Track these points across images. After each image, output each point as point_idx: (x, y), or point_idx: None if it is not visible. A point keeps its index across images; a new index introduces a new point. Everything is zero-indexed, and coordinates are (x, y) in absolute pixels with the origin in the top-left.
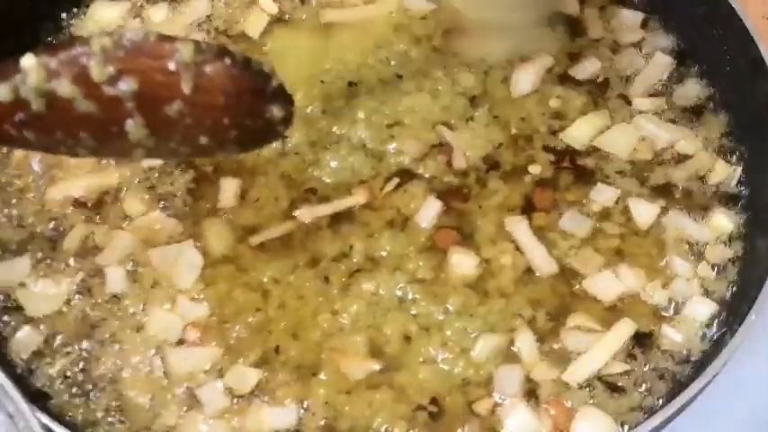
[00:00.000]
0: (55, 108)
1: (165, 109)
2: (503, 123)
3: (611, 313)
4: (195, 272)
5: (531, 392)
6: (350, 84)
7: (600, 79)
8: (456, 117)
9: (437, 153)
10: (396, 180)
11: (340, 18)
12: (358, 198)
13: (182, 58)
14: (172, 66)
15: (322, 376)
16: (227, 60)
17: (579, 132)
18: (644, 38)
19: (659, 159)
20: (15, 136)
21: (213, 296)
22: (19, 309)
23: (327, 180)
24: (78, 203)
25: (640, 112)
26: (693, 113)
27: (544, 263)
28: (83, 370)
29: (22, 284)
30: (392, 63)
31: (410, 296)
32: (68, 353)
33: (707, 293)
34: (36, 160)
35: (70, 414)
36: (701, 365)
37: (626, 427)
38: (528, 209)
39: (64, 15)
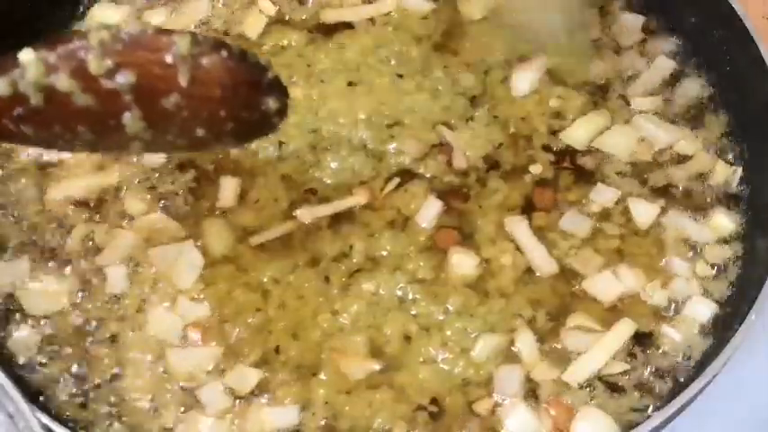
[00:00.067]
0: (53, 102)
1: (162, 101)
2: (503, 123)
3: (611, 313)
4: (195, 272)
5: (531, 392)
6: (350, 83)
7: (601, 81)
8: (456, 117)
9: (437, 153)
10: (396, 180)
11: (340, 18)
12: (358, 198)
13: (179, 51)
14: (169, 58)
15: (322, 376)
16: (224, 53)
17: (579, 132)
18: (645, 38)
19: (659, 160)
20: (13, 131)
21: (213, 296)
22: (19, 308)
23: (328, 180)
24: (79, 203)
25: (640, 113)
26: (693, 114)
27: (544, 263)
28: (83, 370)
29: (23, 284)
30: (392, 63)
31: (410, 296)
32: (69, 353)
33: (707, 293)
34: (37, 160)
35: (70, 414)
36: (701, 365)
37: (626, 428)
38: (528, 209)
39: (64, 16)
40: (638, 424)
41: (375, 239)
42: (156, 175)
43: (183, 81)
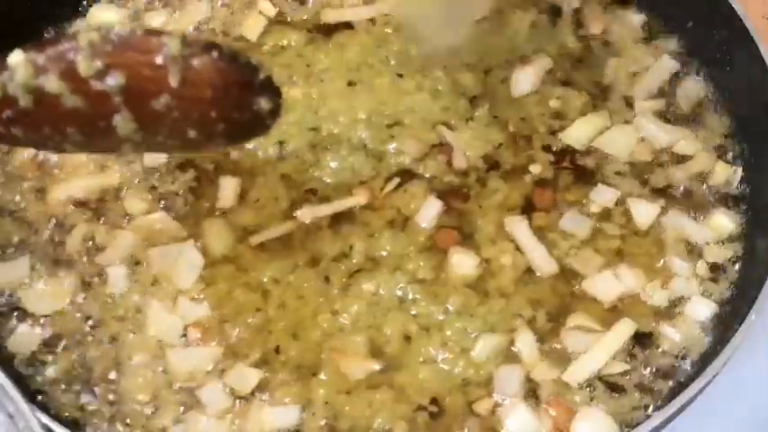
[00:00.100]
0: (42, 104)
1: (152, 103)
2: (503, 123)
3: (611, 313)
4: (195, 272)
5: (531, 392)
6: (349, 83)
7: (602, 81)
8: (456, 117)
9: (437, 153)
10: (396, 180)
11: (340, 18)
12: (358, 198)
13: (169, 52)
14: (159, 60)
15: (322, 376)
16: (215, 53)
17: (579, 133)
18: (645, 38)
19: (659, 160)
20: (3, 132)
21: (213, 296)
22: (20, 308)
23: (328, 180)
24: (80, 203)
25: (640, 113)
26: (694, 114)
27: (544, 263)
28: (83, 370)
29: (24, 284)
30: (392, 63)
31: (410, 296)
32: (69, 353)
33: (707, 293)
34: (37, 161)
35: (70, 414)
36: (701, 365)
37: (626, 428)
38: (528, 209)
39: (64, 16)
40: (638, 424)
41: (375, 239)
42: (157, 175)
43: (173, 82)
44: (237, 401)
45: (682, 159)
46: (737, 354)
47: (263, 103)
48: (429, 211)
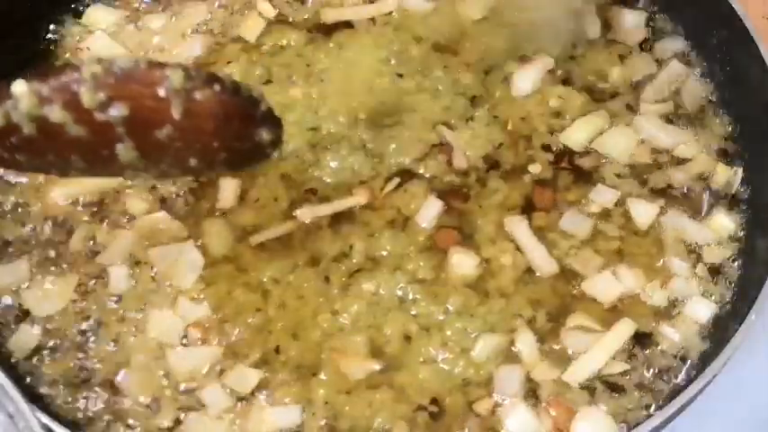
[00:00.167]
0: (46, 132)
1: (155, 133)
2: (503, 123)
3: (611, 313)
4: (196, 272)
5: (531, 392)
6: (349, 83)
7: (602, 81)
8: (456, 117)
9: (437, 153)
10: (396, 180)
11: (340, 17)
12: (358, 198)
13: (171, 85)
14: (162, 92)
15: (322, 376)
16: (217, 86)
17: (578, 133)
18: (645, 39)
19: (658, 162)
20: (7, 158)
21: (213, 296)
22: (20, 308)
23: (328, 180)
24: (80, 204)
25: (642, 114)
26: (693, 114)
27: (544, 263)
28: (83, 370)
29: (25, 284)
30: (392, 62)
31: (410, 296)
32: (69, 353)
33: (706, 293)
34: None
35: (70, 414)
36: (700, 365)
37: (626, 427)
38: (528, 209)
39: (63, 16)
40: (638, 424)
41: (375, 239)
42: None
43: (176, 114)
44: (238, 402)
45: (682, 161)
46: (737, 354)
47: (265, 135)
48: (429, 211)
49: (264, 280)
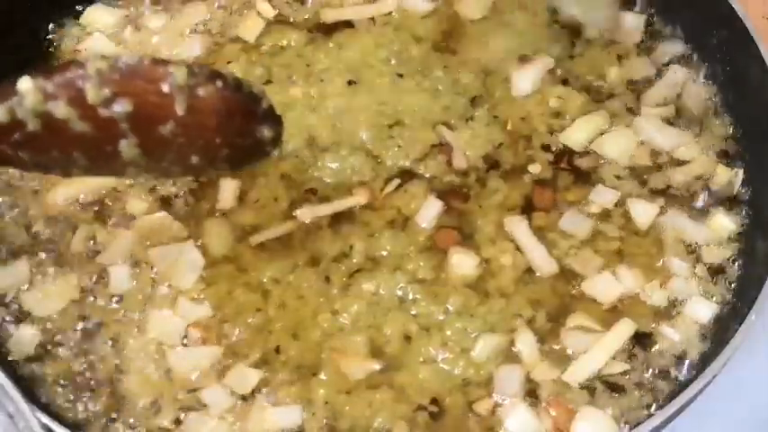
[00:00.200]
0: (50, 128)
1: (158, 129)
2: (503, 123)
3: (611, 313)
4: (196, 272)
5: (531, 392)
6: (349, 83)
7: (602, 82)
8: (456, 117)
9: (437, 153)
10: (396, 181)
11: (340, 17)
12: (358, 198)
13: (175, 81)
14: (166, 88)
15: (322, 376)
16: (219, 83)
17: (578, 133)
18: (645, 40)
19: (658, 164)
20: (11, 156)
21: (214, 296)
22: (20, 308)
23: (328, 180)
24: (81, 204)
25: (640, 116)
26: (694, 116)
27: (544, 263)
28: (84, 370)
29: (25, 285)
30: (392, 63)
31: (410, 296)
32: (69, 353)
33: (706, 294)
34: None
35: (70, 414)
36: (700, 365)
37: (626, 427)
38: (528, 209)
39: (63, 17)
40: (638, 424)
41: (375, 239)
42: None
43: (179, 110)
44: (240, 402)
45: (682, 162)
46: (737, 354)
47: (266, 132)
48: (429, 211)
49: (264, 280)
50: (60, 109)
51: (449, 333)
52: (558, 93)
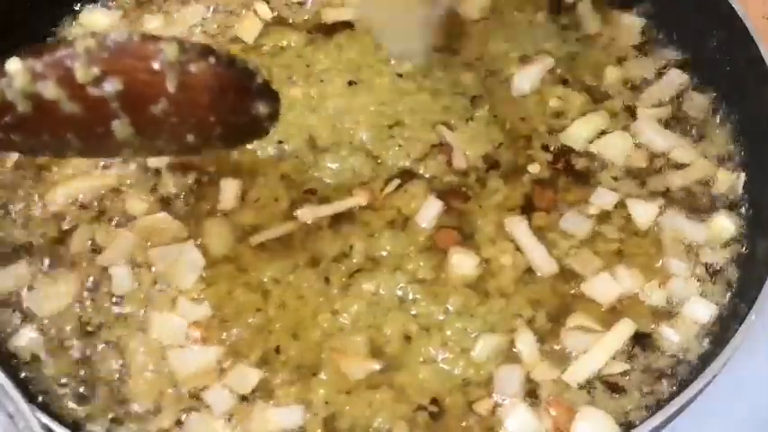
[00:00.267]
0: (41, 110)
1: (150, 108)
2: (503, 123)
3: (610, 314)
4: (196, 272)
5: (531, 393)
6: (349, 83)
7: (602, 82)
8: (456, 117)
9: (437, 153)
10: (396, 181)
11: (340, 17)
12: (358, 199)
13: (166, 58)
14: (156, 65)
15: (322, 376)
16: (212, 59)
17: (579, 132)
18: (645, 41)
19: (656, 167)
20: (2, 139)
21: (214, 296)
22: (21, 309)
23: (328, 180)
24: (80, 205)
25: (639, 117)
26: (693, 117)
27: (544, 263)
28: (84, 370)
29: (26, 285)
30: (392, 63)
31: (410, 296)
32: (70, 353)
33: (706, 294)
34: (37, 162)
35: (70, 414)
36: (700, 366)
37: (626, 428)
38: (528, 209)
39: (63, 16)
40: (638, 424)
41: (375, 239)
42: (158, 176)
43: (170, 88)
44: (242, 402)
45: (681, 166)
46: (737, 354)
47: (261, 108)
48: (429, 211)
49: (265, 280)
50: (50, 89)
51: (449, 333)
52: (558, 93)
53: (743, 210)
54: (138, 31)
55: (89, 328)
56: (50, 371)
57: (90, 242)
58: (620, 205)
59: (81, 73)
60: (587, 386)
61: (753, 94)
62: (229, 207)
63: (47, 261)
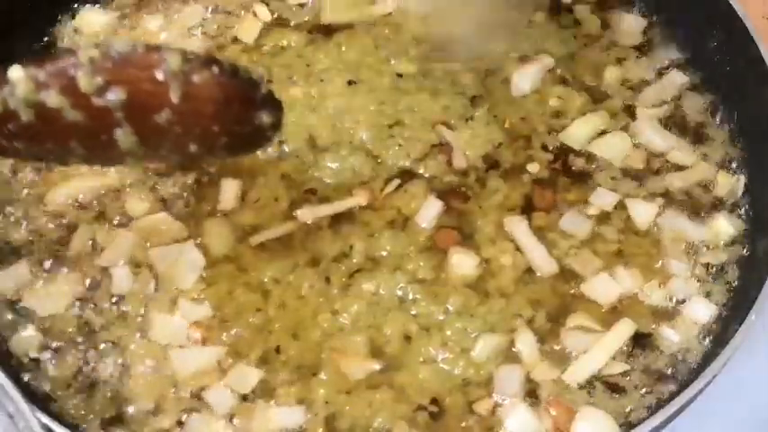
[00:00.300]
0: (44, 118)
1: (154, 118)
2: (502, 123)
3: (610, 314)
4: (196, 272)
5: (531, 392)
6: (349, 83)
7: (601, 83)
8: (456, 117)
9: (437, 153)
10: (396, 181)
11: (340, 18)
12: (358, 199)
13: (169, 68)
14: (160, 75)
15: (322, 376)
16: (215, 69)
17: (578, 132)
18: (645, 41)
19: (653, 168)
20: (5, 146)
21: (214, 296)
22: (21, 309)
23: (328, 181)
24: (80, 205)
25: (638, 118)
26: (693, 121)
27: (544, 263)
28: (84, 370)
29: (26, 285)
30: (392, 63)
31: (410, 296)
32: (70, 353)
33: (706, 294)
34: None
35: (70, 414)
36: (700, 366)
37: (626, 428)
38: (528, 209)
39: (63, 18)
40: (638, 424)
41: (375, 239)
42: (158, 177)
43: (174, 98)
44: (243, 402)
45: (681, 168)
46: (737, 354)
47: (265, 117)
48: (429, 211)
49: (265, 280)
50: (53, 98)
51: (449, 333)
52: (557, 93)
53: (743, 210)
54: (137, 30)
55: (89, 329)
56: (50, 371)
57: (90, 242)
58: (620, 205)
59: (84, 82)
60: (587, 386)
61: (753, 94)
62: (229, 207)
63: (47, 261)
